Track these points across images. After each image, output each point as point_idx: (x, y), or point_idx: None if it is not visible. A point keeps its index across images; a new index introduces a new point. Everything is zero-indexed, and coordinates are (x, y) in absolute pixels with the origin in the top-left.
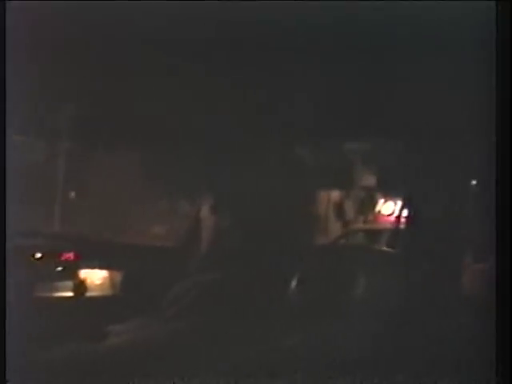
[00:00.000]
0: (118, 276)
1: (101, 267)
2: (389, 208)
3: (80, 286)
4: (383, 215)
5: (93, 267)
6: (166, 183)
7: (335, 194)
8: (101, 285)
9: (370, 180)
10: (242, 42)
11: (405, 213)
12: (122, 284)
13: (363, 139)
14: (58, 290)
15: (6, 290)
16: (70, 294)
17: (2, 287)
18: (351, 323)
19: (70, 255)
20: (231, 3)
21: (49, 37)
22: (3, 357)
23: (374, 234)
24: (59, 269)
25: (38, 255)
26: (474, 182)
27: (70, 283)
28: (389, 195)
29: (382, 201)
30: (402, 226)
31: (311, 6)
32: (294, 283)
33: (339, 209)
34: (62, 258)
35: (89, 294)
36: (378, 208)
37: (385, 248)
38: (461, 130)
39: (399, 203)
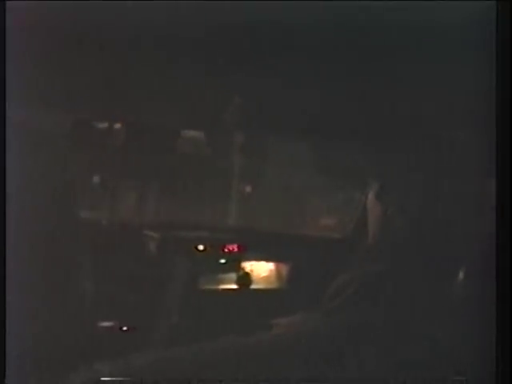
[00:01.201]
0: (284, 268)
1: (266, 259)
2: None
3: (244, 279)
4: None
5: (258, 259)
6: (332, 173)
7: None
8: (266, 277)
9: None
10: None
11: None
12: (287, 277)
13: None
14: (220, 283)
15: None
16: (234, 286)
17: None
18: None
19: (234, 247)
20: None
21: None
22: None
23: None
24: (222, 261)
25: (201, 247)
26: None
27: (233, 275)
28: None
29: None
30: None
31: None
32: (460, 276)
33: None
34: (226, 250)
35: (253, 286)
36: None
37: None
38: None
39: None
